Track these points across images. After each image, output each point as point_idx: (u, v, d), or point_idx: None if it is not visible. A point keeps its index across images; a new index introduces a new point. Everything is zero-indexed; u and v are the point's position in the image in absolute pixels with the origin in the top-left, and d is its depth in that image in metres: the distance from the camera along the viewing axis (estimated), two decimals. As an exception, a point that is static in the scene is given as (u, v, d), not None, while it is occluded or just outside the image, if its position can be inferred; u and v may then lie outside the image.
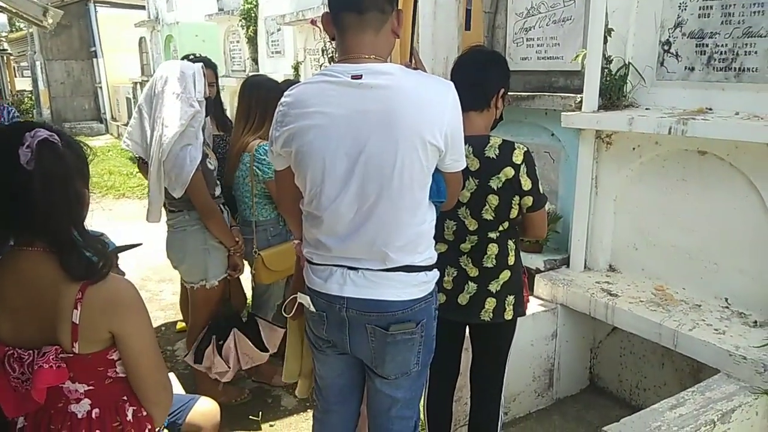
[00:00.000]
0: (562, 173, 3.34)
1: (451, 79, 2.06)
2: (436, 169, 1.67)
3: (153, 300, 4.60)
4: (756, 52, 2.49)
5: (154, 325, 4.14)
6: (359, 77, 1.54)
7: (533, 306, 2.96)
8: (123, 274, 2.10)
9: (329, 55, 5.40)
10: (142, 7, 13.13)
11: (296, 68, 6.47)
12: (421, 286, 1.71)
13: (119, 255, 2.16)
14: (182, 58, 3.05)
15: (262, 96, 2.85)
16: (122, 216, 7.25)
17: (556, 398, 3.11)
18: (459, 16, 3.69)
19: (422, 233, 1.68)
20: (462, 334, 2.29)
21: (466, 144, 1.95)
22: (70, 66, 17.34)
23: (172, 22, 10.85)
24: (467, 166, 1.95)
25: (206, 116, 2.89)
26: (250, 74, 3.08)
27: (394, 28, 1.64)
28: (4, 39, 23.47)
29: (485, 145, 1.99)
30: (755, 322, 2.44)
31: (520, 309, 2.16)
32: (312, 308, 1.76)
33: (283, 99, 1.67)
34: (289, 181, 1.73)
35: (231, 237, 2.82)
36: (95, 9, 16.80)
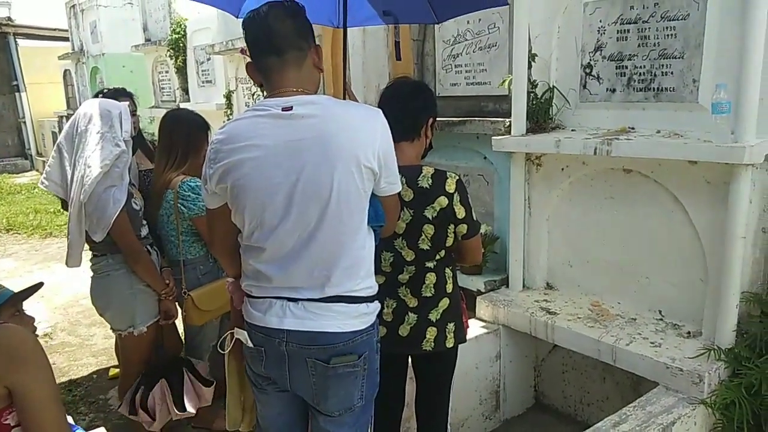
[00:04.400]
0: (497, 195, 3.38)
1: (380, 110, 2.07)
2: (373, 194, 1.68)
3: (83, 345, 4.36)
4: (672, 73, 2.60)
5: (85, 372, 3.93)
6: (290, 108, 1.58)
7: (476, 328, 2.97)
8: (32, 320, 1.96)
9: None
10: (66, 39, 12.71)
11: (228, 97, 6.37)
12: (362, 318, 1.69)
13: (22, 300, 1.99)
14: (96, 94, 2.93)
15: (183, 130, 2.76)
16: (51, 256, 6.89)
17: (504, 419, 3.11)
18: (389, 44, 3.73)
19: (362, 258, 1.68)
20: (405, 365, 2.26)
21: (399, 175, 1.96)
22: (-8, 99, 16.53)
23: (98, 54, 10.54)
24: (402, 197, 1.96)
25: (132, 155, 2.79)
26: (170, 109, 2.95)
27: (315, 63, 1.70)
28: None
29: (418, 175, 1.99)
30: (689, 332, 2.52)
31: (460, 335, 2.14)
32: (249, 343, 1.73)
33: (214, 137, 1.68)
34: (224, 218, 1.72)
35: (160, 280, 2.69)
36: (15, 41, 16.14)
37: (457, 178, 2.01)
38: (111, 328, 2.78)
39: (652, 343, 2.46)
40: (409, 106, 2.04)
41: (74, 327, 4.71)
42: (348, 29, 2.58)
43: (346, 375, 1.67)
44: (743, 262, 2.30)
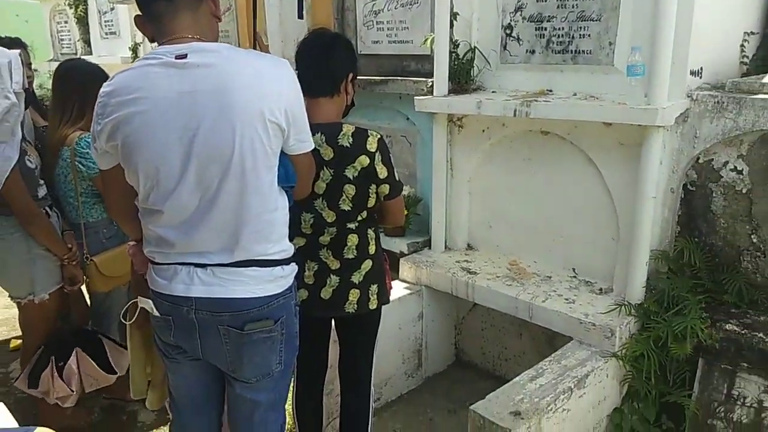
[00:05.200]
0: (420, 156, 3.37)
1: (296, 65, 1.97)
2: (283, 153, 1.58)
3: (-25, 316, 4.04)
4: (589, 35, 2.63)
5: (-18, 345, 3.65)
6: (184, 56, 1.44)
7: (399, 290, 2.97)
8: None
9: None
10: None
11: (134, 50, 6.00)
12: (277, 281, 1.62)
13: None
14: None
15: (78, 81, 2.53)
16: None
17: (426, 377, 3.17)
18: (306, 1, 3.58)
19: (274, 220, 1.59)
20: (328, 328, 2.23)
21: (318, 132, 1.89)
22: None
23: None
24: (321, 156, 1.89)
25: (26, 109, 2.54)
26: (64, 60, 2.71)
27: (212, 11, 1.57)
28: None
29: (338, 133, 1.91)
30: (600, 289, 2.62)
31: (384, 297, 2.13)
32: (155, 312, 1.63)
33: (102, 89, 1.51)
34: (119, 179, 1.57)
35: (61, 244, 2.50)
36: None
37: (379, 136, 1.96)
38: (9, 296, 2.57)
39: (566, 299, 2.55)
40: (327, 60, 1.94)
41: (-32, 298, 4.36)
42: None
43: (262, 341, 1.61)
44: (653, 221, 2.40)
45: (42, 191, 2.52)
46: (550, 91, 2.77)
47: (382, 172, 1.95)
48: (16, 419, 2.11)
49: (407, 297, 2.94)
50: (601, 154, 2.55)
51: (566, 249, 2.79)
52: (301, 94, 1.58)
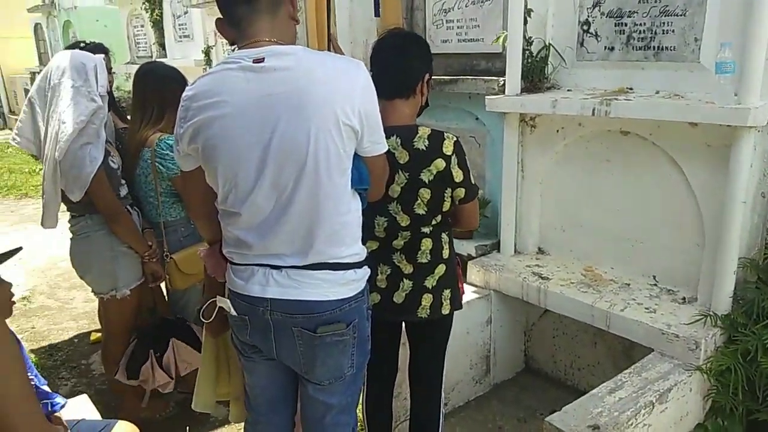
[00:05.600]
0: (489, 157, 3.30)
1: (371, 66, 1.96)
2: (356, 155, 1.58)
3: (63, 309, 4.26)
4: (673, 31, 2.50)
5: (66, 336, 3.85)
6: (261, 60, 1.46)
7: (467, 294, 2.91)
8: (8, 285, 1.86)
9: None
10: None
11: (207, 53, 6.16)
12: (350, 285, 1.62)
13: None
14: (70, 46, 2.76)
15: (158, 85, 2.61)
16: (26, 217, 6.71)
17: (494, 384, 3.10)
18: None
19: (347, 223, 1.59)
20: (398, 331, 2.21)
21: (393, 135, 1.87)
22: (-44, 55, 15.88)
23: (70, 7, 10.15)
24: (396, 159, 1.87)
25: (108, 110, 2.65)
26: (143, 63, 2.79)
27: (290, 13, 1.59)
28: None
29: (414, 136, 1.89)
30: (683, 298, 2.49)
31: (456, 303, 2.09)
32: (233, 311, 1.66)
33: (184, 93, 1.56)
34: (199, 181, 1.62)
35: (143, 241, 2.59)
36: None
37: (455, 139, 1.92)
38: (92, 292, 2.69)
39: (646, 308, 2.43)
40: (402, 60, 1.92)
41: (53, 290, 4.60)
42: None
43: (334, 344, 1.62)
44: (741, 227, 2.25)
45: (123, 191, 2.62)
46: (630, 89, 2.65)
47: (458, 175, 1.91)
48: (97, 410, 2.22)
49: (475, 301, 2.88)
50: (686, 156, 2.42)
51: (646, 255, 2.66)
52: (375, 96, 1.56)
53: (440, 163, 1.88)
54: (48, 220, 2.55)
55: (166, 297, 2.97)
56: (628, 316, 2.39)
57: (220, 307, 1.72)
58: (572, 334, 3.00)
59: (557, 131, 2.85)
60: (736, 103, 2.13)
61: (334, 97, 1.45)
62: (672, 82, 2.52)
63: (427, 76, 1.97)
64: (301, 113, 1.43)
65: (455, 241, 3.16)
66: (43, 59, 12.23)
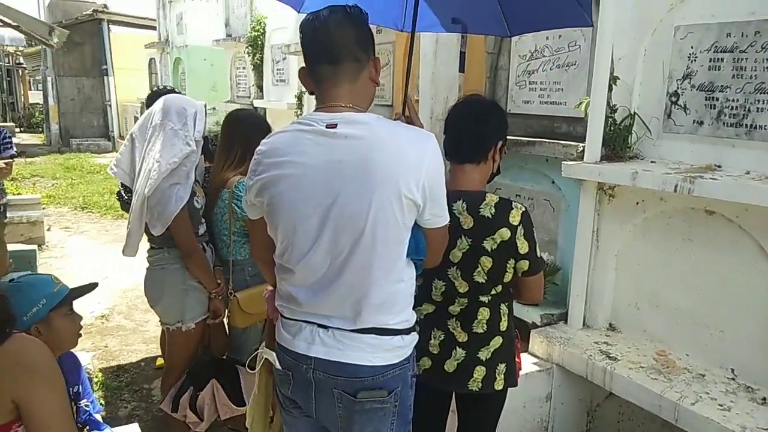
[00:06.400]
0: (562, 223, 3.20)
1: (446, 129, 1.97)
2: (416, 224, 1.57)
3: (137, 331, 4.46)
4: (768, 110, 2.36)
5: (135, 358, 4.00)
6: (334, 126, 1.49)
7: (527, 365, 2.80)
8: (79, 318, 1.97)
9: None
10: (154, 28, 13.23)
11: (299, 98, 6.42)
12: (395, 351, 1.59)
13: (76, 298, 2.00)
14: (154, 91, 2.95)
15: (244, 131, 2.74)
16: (120, 238, 7.09)
17: (550, 463, 2.93)
18: (467, 56, 3.61)
19: (398, 292, 1.57)
20: (448, 403, 2.13)
21: (460, 200, 1.86)
22: (81, 83, 17.47)
23: (182, 45, 10.91)
24: (460, 224, 1.85)
25: (201, 154, 2.80)
26: (235, 109, 2.93)
27: (372, 76, 1.60)
28: (20, 53, 23.81)
29: (480, 202, 1.86)
30: (764, 399, 2.28)
31: (511, 378, 2.00)
32: (278, 365, 1.66)
33: (258, 147, 1.61)
34: (263, 230, 1.66)
35: (212, 278, 2.69)
36: (108, 28, 16.99)
37: (523, 209, 1.87)
38: (160, 322, 2.79)
39: (720, 405, 2.24)
40: (478, 127, 1.91)
41: (131, 311, 4.83)
42: (416, 36, 2.44)
43: (374, 411, 1.58)
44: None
45: (202, 228, 2.73)
46: (719, 166, 2.52)
47: (522, 247, 1.86)
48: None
49: (535, 374, 2.76)
50: (776, 244, 2.25)
51: (726, 345, 2.46)
52: (442, 169, 1.55)
53: (505, 233, 1.84)
54: (129, 249, 2.70)
55: (228, 333, 3.04)
56: (698, 411, 2.20)
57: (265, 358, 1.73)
58: (639, 421, 2.80)
59: (637, 203, 2.73)
60: (833, 193, 1.97)
61: (400, 170, 1.46)
62: (764, 163, 2.38)
63: (500, 144, 1.95)
64: (365, 183, 1.45)
65: (520, 306, 3.11)
66: (153, 91, 13.17)
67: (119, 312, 4.78)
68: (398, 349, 1.59)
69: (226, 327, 3.04)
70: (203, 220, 2.74)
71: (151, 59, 13.26)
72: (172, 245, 2.62)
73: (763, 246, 2.29)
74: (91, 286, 2.02)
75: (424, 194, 1.49)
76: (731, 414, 2.19)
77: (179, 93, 3.09)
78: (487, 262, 1.86)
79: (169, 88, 3.09)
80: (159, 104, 2.63)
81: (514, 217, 1.84)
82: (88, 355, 3.63)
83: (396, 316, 1.58)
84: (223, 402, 2.76)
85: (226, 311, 2.83)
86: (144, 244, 2.67)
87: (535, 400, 2.79)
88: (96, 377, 3.62)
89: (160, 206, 2.50)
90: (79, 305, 1.99)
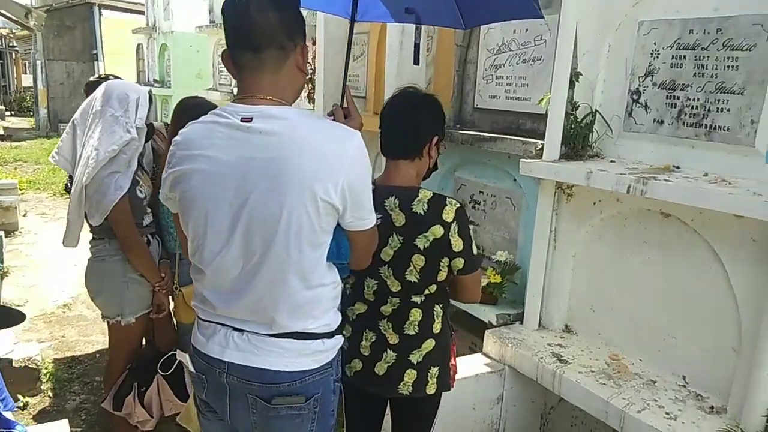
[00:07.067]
0: (523, 221, 3.13)
1: (380, 124, 1.88)
2: (339, 226, 1.48)
3: (97, 322, 4.35)
4: (728, 110, 2.28)
5: (91, 350, 3.93)
6: (249, 120, 1.39)
7: (479, 365, 2.74)
8: (23, 317, 1.86)
9: (308, 76, 5.25)
10: (143, 13, 13.07)
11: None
12: (315, 356, 1.51)
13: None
14: (94, 79, 2.86)
15: (193, 119, 2.65)
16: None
17: (501, 466, 2.87)
18: (428, 47, 3.52)
19: (318, 297, 1.49)
20: (383, 406, 2.06)
21: (392, 196, 1.79)
22: (70, 67, 17.27)
23: (168, 31, 10.78)
24: (392, 221, 1.78)
25: (146, 142, 2.71)
26: (185, 97, 2.84)
27: (298, 64, 1.49)
28: (12, 36, 23.60)
29: (413, 198, 1.78)
30: (712, 408, 2.21)
31: (444, 383, 1.93)
32: (191, 368, 1.59)
33: (174, 138, 1.52)
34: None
35: (155, 272, 2.61)
36: (100, 12, 16.82)
37: (458, 205, 1.79)
38: (101, 315, 2.71)
39: (667, 414, 2.17)
40: (412, 121, 1.83)
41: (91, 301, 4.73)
42: (388, 29, 2.35)
43: (290, 417, 1.50)
44: (784, 336, 1.98)
45: (147, 219, 2.65)
46: (677, 167, 2.44)
47: (457, 244, 1.78)
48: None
49: (486, 375, 2.69)
50: (729, 249, 2.17)
51: (678, 352, 2.39)
52: (366, 169, 1.46)
53: (438, 230, 1.76)
54: (68, 239, 2.63)
55: (176, 328, 2.96)
56: (644, 419, 2.14)
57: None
58: (591, 426, 2.73)
59: (594, 204, 2.65)
60: (786, 198, 1.89)
61: (316, 171, 1.36)
62: (723, 165, 2.30)
63: (436, 139, 1.87)
64: (277, 184, 1.35)
65: (477, 306, 3.05)
66: (140, 77, 13.03)
67: (82, 301, 4.68)
68: (318, 354, 1.51)
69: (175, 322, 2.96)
70: (148, 211, 2.65)
71: (138, 45, 13.09)
72: (112, 236, 2.55)
73: (717, 251, 2.21)
74: (17, 318, 1.87)
75: (343, 197, 1.40)
76: (677, 423, 2.12)
77: (119, 78, 3.01)
78: (419, 260, 1.78)
79: (111, 76, 2.99)
80: (101, 90, 2.55)
81: (448, 214, 1.76)
82: (38, 346, 3.55)
83: (316, 321, 1.50)
84: (168, 398, 2.69)
85: (173, 306, 2.75)
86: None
87: (486, 401, 2.72)
88: (46, 369, 3.54)
89: (99, 195, 2.42)
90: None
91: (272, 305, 1.44)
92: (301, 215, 1.37)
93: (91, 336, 4.11)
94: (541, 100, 2.84)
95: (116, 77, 2.88)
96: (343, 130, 1.47)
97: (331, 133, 1.43)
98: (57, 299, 4.67)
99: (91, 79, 3.07)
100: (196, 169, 1.42)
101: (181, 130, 1.51)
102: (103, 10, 16.98)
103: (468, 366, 2.71)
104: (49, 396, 3.36)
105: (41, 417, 3.13)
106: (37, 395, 3.35)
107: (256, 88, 1.44)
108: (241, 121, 1.39)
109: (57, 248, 5.56)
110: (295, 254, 1.40)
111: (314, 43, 4.65)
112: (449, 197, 1.81)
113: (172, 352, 2.84)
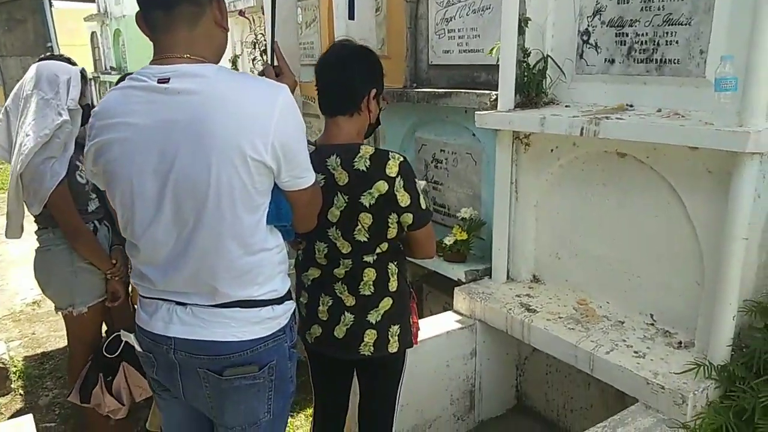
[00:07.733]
0: (485, 176, 3.08)
1: (316, 81, 1.81)
2: (277, 188, 1.41)
3: (56, 318, 4.27)
4: (677, 42, 2.24)
5: (62, 344, 3.84)
6: (166, 80, 1.30)
7: (450, 322, 2.72)
8: None
9: (262, 48, 5.11)
10: (94, 0, 12.65)
11: (234, 62, 6.14)
12: (265, 323, 1.45)
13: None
14: (45, 57, 2.71)
15: None
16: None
17: (479, 420, 2.87)
18: (378, 4, 3.42)
19: (261, 262, 1.42)
20: (348, 371, 2.02)
21: (333, 154, 1.72)
22: (26, 62, 16.64)
23: (120, 16, 10.45)
24: (335, 180, 1.71)
25: (84, 125, 2.59)
26: (124, 74, 2.71)
27: (216, 20, 1.40)
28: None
29: (355, 155, 1.71)
30: (680, 343, 2.21)
31: (406, 340, 1.89)
32: (138, 347, 1.53)
33: (93, 109, 1.43)
34: None
35: (105, 259, 2.51)
36: (50, 2, 16.24)
37: (401, 159, 1.73)
38: (54, 307, 2.63)
39: (636, 352, 2.16)
40: (346, 75, 1.75)
41: (46, 298, 4.63)
42: None
43: (245, 388, 1.45)
44: (745, 266, 1.96)
45: (93, 205, 2.55)
46: (631, 106, 2.40)
47: (403, 199, 1.72)
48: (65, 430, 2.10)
49: (458, 331, 2.67)
50: (686, 183, 2.14)
51: (644, 291, 2.38)
52: (298, 124, 1.39)
53: (382, 186, 1.70)
54: (11, 231, 2.53)
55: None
56: (612, 360, 2.13)
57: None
58: (565, 372, 2.74)
59: (551, 150, 2.61)
60: (736, 125, 1.86)
61: (242, 130, 1.28)
62: (675, 100, 2.26)
63: (374, 92, 1.79)
64: (202, 145, 1.27)
65: (446, 264, 3.02)
66: (97, 66, 12.69)
67: (51, 297, 4.58)
68: (268, 321, 1.46)
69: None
70: (93, 197, 2.55)
71: (92, 33, 12.71)
72: (56, 225, 2.44)
73: (674, 185, 2.19)
74: None
75: (275, 155, 1.32)
76: (645, 360, 2.12)
77: (72, 61, 2.86)
78: (366, 218, 1.73)
79: (59, 55, 2.84)
80: (30, 72, 2.43)
81: (392, 168, 1.70)
82: (5, 346, 3.46)
83: (261, 287, 1.44)
84: (137, 383, 2.62)
85: (129, 291, 2.67)
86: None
87: (459, 357, 2.70)
88: (15, 367, 3.46)
89: (35, 183, 2.31)
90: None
91: (212, 274, 1.37)
92: (231, 177, 1.29)
93: (62, 331, 3.98)
94: (492, 49, 2.77)
95: (68, 59, 2.73)
96: (269, 84, 1.38)
97: (255, 88, 1.35)
98: (25, 297, 4.56)
99: (41, 57, 2.90)
100: (116, 138, 1.34)
101: (100, 101, 1.42)
102: (53, 0, 16.41)
103: (438, 324, 2.69)
104: (20, 394, 3.29)
105: (14, 416, 3.06)
106: (7, 394, 3.27)
107: (171, 47, 1.34)
108: (158, 82, 1.30)
109: (22, 246, 5.40)
110: (230, 218, 1.33)
111: (263, 13, 4.51)
112: (392, 151, 1.75)
113: (116, 333, 2.78)
